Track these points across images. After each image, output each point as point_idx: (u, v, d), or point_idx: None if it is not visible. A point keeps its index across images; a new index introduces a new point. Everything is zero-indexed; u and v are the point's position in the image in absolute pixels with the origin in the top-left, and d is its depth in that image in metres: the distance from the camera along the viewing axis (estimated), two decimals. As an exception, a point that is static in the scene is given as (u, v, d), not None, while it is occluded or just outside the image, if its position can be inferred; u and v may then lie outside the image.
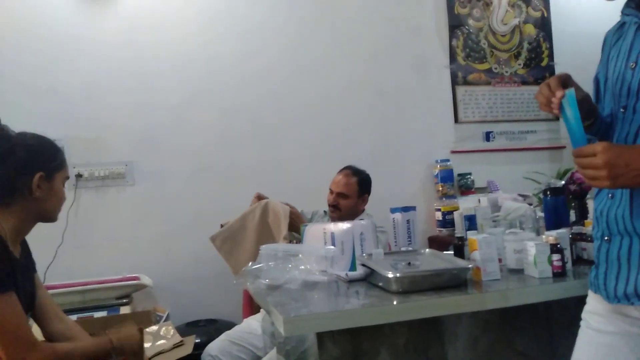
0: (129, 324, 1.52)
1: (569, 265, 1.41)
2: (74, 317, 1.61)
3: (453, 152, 3.19)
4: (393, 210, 1.90)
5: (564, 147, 3.38)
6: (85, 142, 2.59)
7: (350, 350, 1.24)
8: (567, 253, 1.42)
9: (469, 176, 3.17)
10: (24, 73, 2.56)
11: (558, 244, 1.37)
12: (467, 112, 3.23)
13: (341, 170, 2.39)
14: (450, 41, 3.21)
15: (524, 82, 3.34)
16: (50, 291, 1.52)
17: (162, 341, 1.97)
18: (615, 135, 1.07)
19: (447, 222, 2.95)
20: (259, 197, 2.25)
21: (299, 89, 2.93)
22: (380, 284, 1.36)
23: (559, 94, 1.04)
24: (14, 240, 1.29)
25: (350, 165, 2.40)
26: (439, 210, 3.01)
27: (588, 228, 1.58)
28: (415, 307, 1.19)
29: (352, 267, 1.57)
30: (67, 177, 1.40)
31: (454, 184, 3.14)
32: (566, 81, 1.09)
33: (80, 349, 1.37)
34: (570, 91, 1.04)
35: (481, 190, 3.14)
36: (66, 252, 2.45)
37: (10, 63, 2.55)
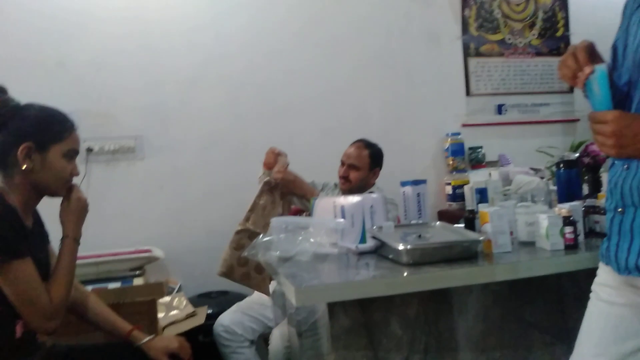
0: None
1: (581, 238, 1.41)
2: (89, 288, 1.63)
3: (464, 125, 3.15)
4: (403, 184, 1.89)
5: (577, 120, 3.32)
6: (95, 116, 2.59)
7: (361, 320, 1.26)
8: (580, 226, 1.41)
9: (480, 150, 3.14)
10: (34, 48, 2.55)
11: (571, 216, 1.36)
12: (479, 84, 3.18)
13: (354, 143, 2.37)
14: (463, 11, 3.13)
15: (538, 53, 3.26)
16: (65, 263, 1.54)
17: (175, 312, 2.02)
18: (634, 104, 1.04)
19: (457, 196, 2.94)
20: (274, 154, 1.97)
21: (309, 63, 2.90)
22: (391, 256, 1.36)
23: (587, 69, 0.99)
24: (24, 211, 1.30)
25: (362, 138, 2.39)
26: (449, 184, 3.00)
27: (601, 201, 1.56)
28: (425, 278, 1.19)
29: (362, 240, 1.57)
30: (73, 150, 1.34)
31: (465, 157, 3.12)
32: (593, 53, 1.04)
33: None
34: (602, 68, 0.98)
35: (492, 164, 3.11)
36: (79, 225, 2.48)
37: (20, 38, 2.54)
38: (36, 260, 1.26)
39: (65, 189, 1.36)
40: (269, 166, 1.96)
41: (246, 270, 1.70)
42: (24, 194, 1.30)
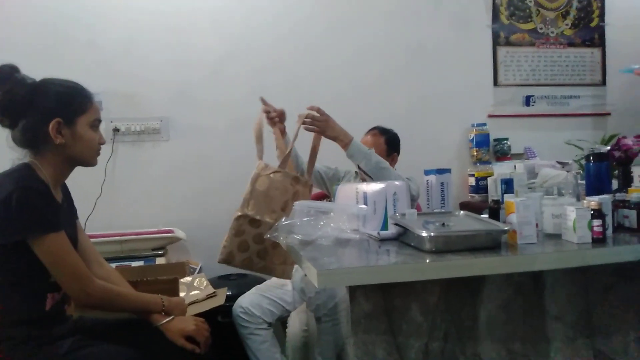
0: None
1: (609, 232, 1.37)
2: (112, 265, 1.67)
3: (490, 116, 3.10)
4: (427, 172, 1.87)
5: (609, 114, 3.23)
6: (123, 97, 2.62)
7: (382, 305, 1.26)
8: (609, 220, 1.38)
9: (505, 141, 3.09)
10: (66, 26, 2.59)
11: (600, 209, 1.32)
12: (507, 74, 3.11)
13: (368, 131, 2.36)
14: (494, -1, 3.06)
15: (571, 44, 3.17)
16: (91, 240, 1.58)
17: (196, 292, 2.04)
18: None
19: (480, 187, 2.90)
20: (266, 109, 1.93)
21: (335, 45, 2.88)
22: (413, 243, 1.35)
23: None
24: (54, 186, 1.34)
25: (377, 126, 2.38)
26: (472, 175, 2.96)
27: (632, 195, 1.52)
28: (448, 265, 1.18)
29: (384, 227, 1.57)
30: (97, 120, 1.37)
31: (490, 149, 3.07)
32: None
33: (132, 296, 1.43)
34: None
35: (517, 156, 3.05)
36: (105, 204, 2.54)
37: (52, 16, 2.58)
38: (66, 234, 1.30)
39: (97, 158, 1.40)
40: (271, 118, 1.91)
41: (247, 256, 1.67)
42: (55, 169, 1.33)
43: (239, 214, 1.67)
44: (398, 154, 2.35)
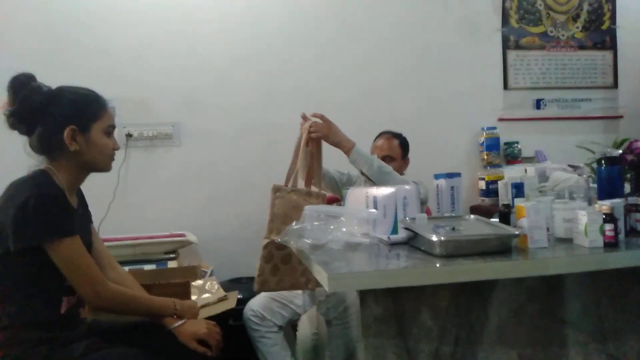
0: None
1: (621, 236, 1.36)
2: (126, 269, 1.70)
3: (500, 119, 3.08)
4: (437, 177, 1.87)
5: (621, 117, 3.20)
6: (135, 103, 2.66)
7: (392, 309, 1.26)
8: (621, 224, 1.37)
9: (516, 145, 3.07)
10: (78, 34, 2.64)
11: (612, 213, 1.32)
12: (517, 78, 3.10)
13: (380, 135, 2.37)
14: (504, 2, 3.06)
15: (581, 47, 3.15)
16: (105, 243, 1.60)
17: (207, 295, 2.06)
18: None
19: (490, 191, 2.89)
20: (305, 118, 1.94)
21: (343, 50, 2.90)
22: (423, 247, 1.35)
23: None
24: (69, 191, 1.36)
25: (386, 130, 2.39)
26: (482, 179, 2.95)
27: (645, 199, 1.51)
28: (459, 270, 1.18)
29: (394, 231, 1.57)
30: (111, 126, 1.39)
31: (500, 152, 3.05)
32: None
33: (145, 300, 1.45)
34: None
35: (528, 160, 3.04)
36: (118, 208, 2.57)
37: (65, 24, 2.63)
38: (81, 240, 1.32)
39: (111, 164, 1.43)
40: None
41: (280, 278, 1.73)
42: (70, 175, 1.36)
43: (266, 241, 1.71)
44: (408, 157, 2.37)
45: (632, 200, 1.54)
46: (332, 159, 2.06)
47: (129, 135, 2.65)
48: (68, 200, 1.33)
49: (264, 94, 2.82)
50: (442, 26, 3.00)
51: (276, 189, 1.76)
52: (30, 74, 1.34)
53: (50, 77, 1.39)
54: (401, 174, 2.32)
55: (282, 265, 1.72)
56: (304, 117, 1.94)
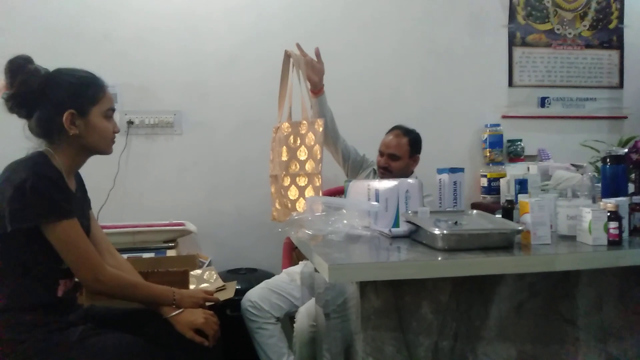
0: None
1: (625, 235, 1.35)
2: (124, 256, 1.68)
3: (504, 116, 3.07)
4: (440, 171, 1.86)
5: (625, 118, 3.18)
6: (137, 90, 2.64)
7: (392, 302, 1.25)
8: (625, 222, 1.36)
9: (519, 143, 3.05)
10: (81, 19, 2.61)
11: (617, 211, 1.30)
12: (522, 75, 3.08)
13: (391, 131, 2.34)
14: (511, -2, 3.03)
15: (588, 45, 3.12)
16: (103, 230, 1.59)
17: (206, 284, 2.05)
18: None
19: (492, 189, 2.88)
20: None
21: (348, 46, 2.87)
22: (425, 241, 1.34)
23: None
24: (68, 174, 1.35)
25: (399, 125, 2.35)
26: (484, 176, 2.93)
27: (649, 198, 1.49)
28: (460, 264, 1.17)
29: (396, 225, 1.56)
30: (111, 109, 1.38)
31: (503, 150, 3.04)
32: None
33: (143, 286, 1.44)
34: None
35: (531, 158, 3.02)
36: (117, 196, 2.56)
37: (67, 11, 2.60)
38: (79, 223, 1.31)
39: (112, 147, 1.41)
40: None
41: (281, 209, 1.97)
42: (70, 158, 1.34)
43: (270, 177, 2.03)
44: (419, 154, 2.34)
45: (636, 199, 1.53)
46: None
47: (130, 123, 2.63)
48: (66, 182, 1.32)
49: (266, 85, 2.79)
50: (449, 22, 2.98)
51: (274, 131, 2.08)
52: (27, 56, 1.32)
53: (52, 64, 1.37)
54: (409, 172, 2.31)
55: (281, 196, 1.97)
56: (300, 49, 2.14)
